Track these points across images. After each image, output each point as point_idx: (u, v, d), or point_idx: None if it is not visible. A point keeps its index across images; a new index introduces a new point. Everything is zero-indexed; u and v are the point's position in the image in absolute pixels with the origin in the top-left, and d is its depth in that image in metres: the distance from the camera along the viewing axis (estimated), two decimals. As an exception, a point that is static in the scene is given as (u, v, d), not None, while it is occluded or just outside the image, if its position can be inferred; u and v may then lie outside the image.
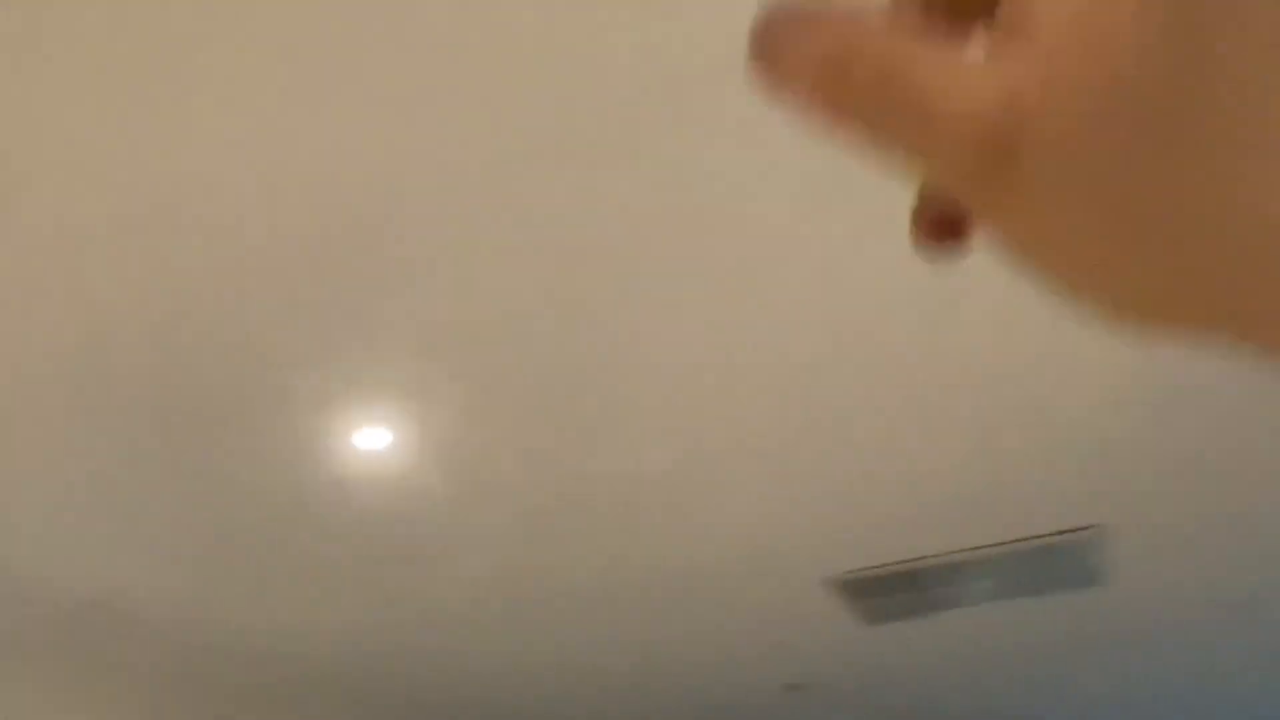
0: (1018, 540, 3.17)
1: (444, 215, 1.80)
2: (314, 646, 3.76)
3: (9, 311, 1.95)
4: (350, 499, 2.73)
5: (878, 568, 3.34)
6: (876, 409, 2.46)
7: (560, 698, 4.42)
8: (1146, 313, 0.28)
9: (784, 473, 2.73)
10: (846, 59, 0.26)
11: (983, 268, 1.80)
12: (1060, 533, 3.14)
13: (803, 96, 0.26)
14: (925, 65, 0.25)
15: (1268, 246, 0.25)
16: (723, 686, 4.22)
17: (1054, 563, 3.37)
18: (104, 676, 3.63)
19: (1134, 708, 5.47)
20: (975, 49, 0.26)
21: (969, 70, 0.25)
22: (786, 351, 2.24)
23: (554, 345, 2.17)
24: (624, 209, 1.81)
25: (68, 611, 3.33)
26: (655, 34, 1.48)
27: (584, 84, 1.56)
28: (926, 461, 2.72)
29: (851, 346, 2.24)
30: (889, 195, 1.57)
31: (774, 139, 1.62)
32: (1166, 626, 4.04)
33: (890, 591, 3.51)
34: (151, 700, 3.75)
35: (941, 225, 0.32)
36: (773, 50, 0.26)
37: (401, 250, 1.88)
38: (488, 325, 2.10)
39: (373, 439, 2.49)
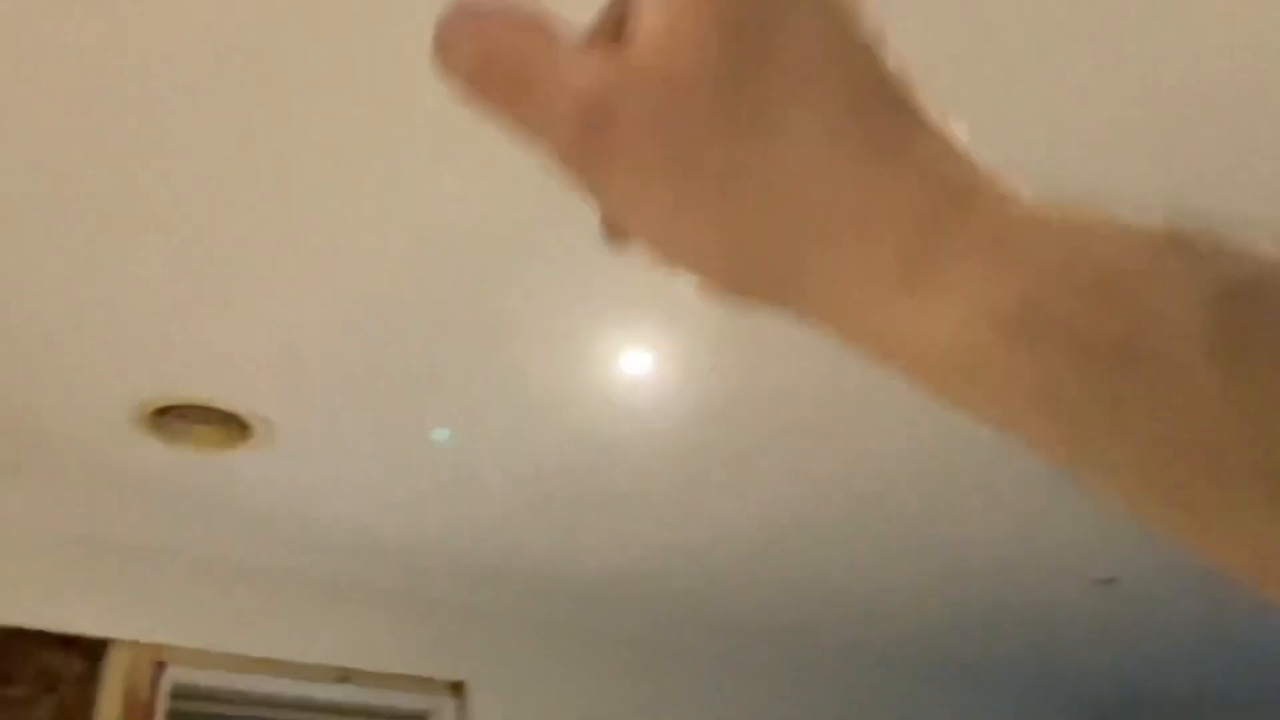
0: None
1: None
2: (600, 575, 3.93)
3: (313, 268, 2.14)
4: (621, 424, 2.79)
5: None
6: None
7: (861, 608, 4.41)
8: (728, 283, 0.31)
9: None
10: (494, 51, 0.30)
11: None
12: None
13: (462, 82, 0.30)
14: (549, 56, 0.30)
15: (810, 226, 0.28)
16: (1031, 581, 4.06)
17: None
18: (358, 599, 3.96)
19: None
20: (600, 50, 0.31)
21: (581, 60, 0.30)
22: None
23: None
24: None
25: (376, 555, 3.66)
26: None
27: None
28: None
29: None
30: None
31: None
32: None
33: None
34: (429, 632, 4.05)
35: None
36: (443, 42, 0.30)
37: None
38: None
39: (638, 363, 2.52)
